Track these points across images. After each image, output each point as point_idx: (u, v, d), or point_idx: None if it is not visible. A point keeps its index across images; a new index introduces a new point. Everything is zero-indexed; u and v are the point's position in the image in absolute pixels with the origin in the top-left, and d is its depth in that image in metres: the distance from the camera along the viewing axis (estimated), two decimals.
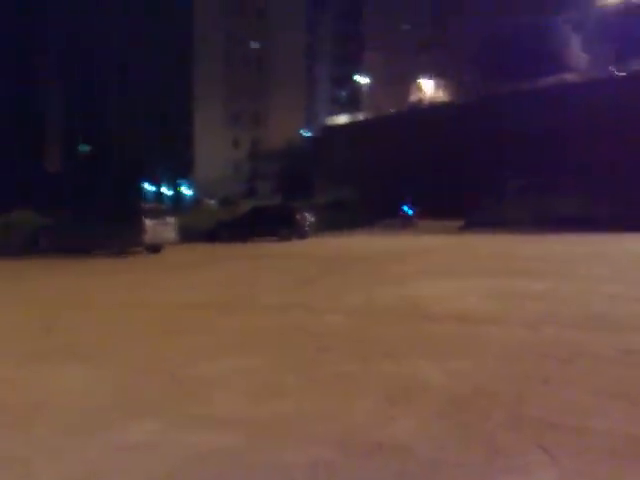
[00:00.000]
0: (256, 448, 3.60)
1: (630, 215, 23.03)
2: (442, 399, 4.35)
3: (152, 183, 72.83)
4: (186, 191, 73.58)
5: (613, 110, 31.41)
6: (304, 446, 3.59)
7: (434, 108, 45.32)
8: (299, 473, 3.24)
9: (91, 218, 20.24)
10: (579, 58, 41.17)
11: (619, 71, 34.77)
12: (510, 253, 16.57)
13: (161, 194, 72.54)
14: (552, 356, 5.43)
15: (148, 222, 19.21)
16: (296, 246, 22.13)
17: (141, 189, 69.12)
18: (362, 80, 60.88)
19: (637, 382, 4.63)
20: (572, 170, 30.31)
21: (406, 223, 32.38)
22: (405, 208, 33.61)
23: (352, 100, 68.17)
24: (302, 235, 25.20)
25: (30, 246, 20.47)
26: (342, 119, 56.48)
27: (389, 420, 3.99)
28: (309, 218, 26.30)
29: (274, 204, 32.06)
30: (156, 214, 20.44)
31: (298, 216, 25.72)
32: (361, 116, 54.20)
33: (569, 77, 37.73)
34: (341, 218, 31.25)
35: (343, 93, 76.34)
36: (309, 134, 71.63)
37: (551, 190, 29.06)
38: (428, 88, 53.45)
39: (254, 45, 74.21)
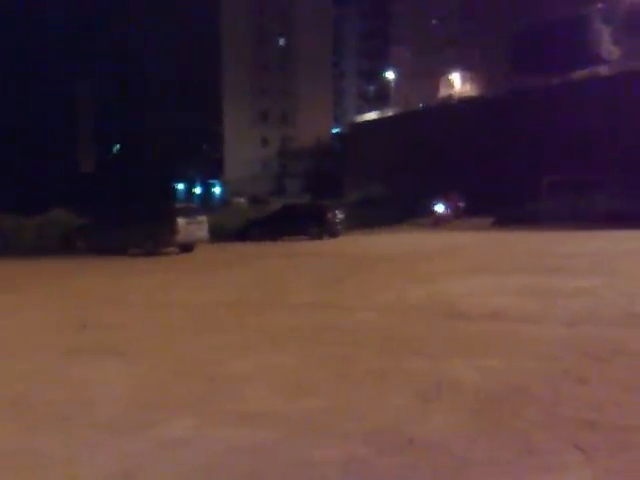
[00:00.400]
0: (289, 444, 3.64)
1: None
2: (475, 397, 4.34)
3: (183, 182, 73.52)
4: (216, 190, 74.11)
5: None
6: (337, 442, 3.62)
7: (464, 103, 44.89)
8: (332, 469, 3.27)
9: (125, 218, 20.48)
10: (611, 51, 40.42)
11: None
12: (545, 250, 16.35)
13: (192, 193, 73.17)
14: (590, 354, 5.36)
15: (180, 221, 19.38)
16: (327, 245, 22.13)
17: (173, 189, 69.81)
18: (390, 75, 60.64)
19: None
20: (608, 166, 29.77)
21: (438, 220, 32.14)
22: (437, 205, 33.33)
23: (380, 95, 67.94)
24: (333, 233, 25.16)
25: (65, 246, 20.81)
26: (371, 115, 56.30)
27: (421, 417, 4.00)
28: (339, 216, 26.25)
29: (304, 202, 32.04)
30: (188, 213, 20.59)
31: (329, 214, 25.66)
32: (390, 112, 53.95)
33: (602, 70, 37.07)
34: (372, 216, 31.10)
35: (371, 88, 76.14)
36: (337, 131, 71.60)
37: (586, 186, 28.56)
38: (457, 83, 53.07)
39: (281, 42, 74.32)
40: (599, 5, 40.72)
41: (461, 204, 34.50)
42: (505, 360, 5.30)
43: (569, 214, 26.34)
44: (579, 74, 36.97)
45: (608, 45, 40.74)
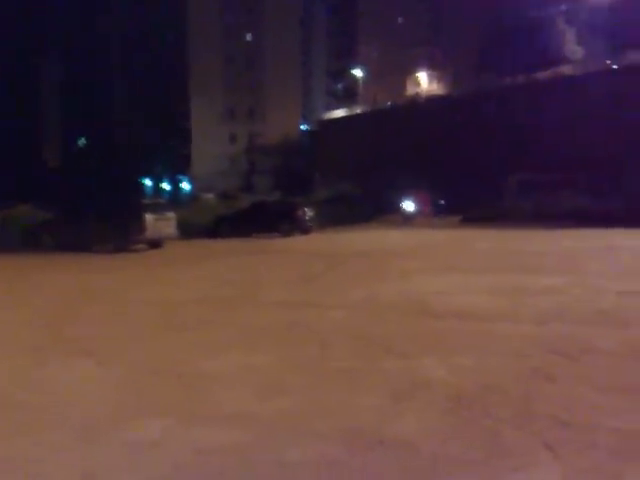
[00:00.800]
0: (261, 444, 3.63)
1: (634, 210, 22.92)
2: (446, 396, 4.36)
3: (151, 178, 72.76)
4: (185, 186, 73.52)
5: (611, 103, 31.37)
6: (308, 442, 3.62)
7: (431, 101, 45.27)
8: (304, 469, 3.27)
9: (91, 213, 20.19)
10: (575, 51, 41.11)
11: (614, 63, 34.74)
12: (513, 248, 16.56)
13: (160, 189, 72.47)
14: (559, 352, 5.43)
15: (148, 217, 19.19)
16: (298, 242, 22.12)
17: (140, 184, 69.04)
18: (358, 73, 60.82)
19: None
20: (574, 165, 30.26)
21: (407, 218, 32.36)
22: (406, 203, 33.57)
23: (348, 93, 68.03)
24: (304, 231, 25.16)
25: (30, 241, 20.45)
26: (339, 113, 56.40)
27: (392, 416, 4.02)
28: (310, 213, 26.26)
29: (274, 199, 31.97)
30: (156, 209, 20.39)
31: (299, 211, 25.66)
32: (358, 109, 54.12)
33: (565, 70, 37.67)
34: (342, 213, 31.19)
35: (339, 86, 76.20)
36: (306, 128, 71.55)
37: (553, 185, 29.03)
38: (424, 81, 53.47)
39: (249, 39, 74.00)
40: (563, 6, 41.35)
41: (430, 202, 34.80)
42: (476, 358, 5.35)
43: (537, 213, 26.75)
44: (543, 74, 37.50)
45: (572, 45, 41.43)
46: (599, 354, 5.37)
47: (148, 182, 72.51)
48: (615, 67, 34.38)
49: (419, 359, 5.38)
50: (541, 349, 5.58)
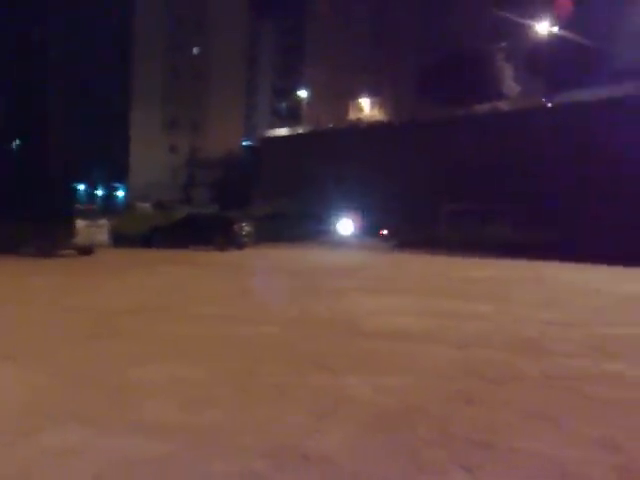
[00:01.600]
0: (185, 456, 3.60)
1: (567, 243, 23.83)
2: (370, 414, 4.43)
3: (86, 184, 71.05)
4: (120, 194, 72.11)
5: (544, 139, 32.65)
6: (234, 456, 3.61)
7: (372, 127, 46.10)
8: None
9: (21, 216, 19.56)
10: (511, 87, 42.64)
11: (549, 101, 36.20)
12: (442, 274, 16.95)
13: (94, 195, 70.83)
14: (481, 376, 5.59)
15: (80, 223, 18.76)
16: (232, 256, 22.01)
17: (74, 189, 67.33)
18: (303, 94, 61.34)
19: (562, 405, 4.80)
20: (505, 197, 31.27)
21: (341, 239, 32.70)
22: (341, 224, 33.94)
23: (292, 113, 68.42)
24: (239, 245, 25.08)
25: None
26: (282, 131, 56.66)
27: (317, 433, 4.05)
28: (246, 228, 26.19)
29: (210, 212, 31.74)
30: (89, 215, 19.98)
31: (235, 226, 25.58)
32: (300, 129, 54.52)
33: (502, 105, 39.01)
34: (279, 230, 31.27)
35: (283, 105, 76.55)
36: (248, 144, 71.44)
37: (484, 216, 29.93)
38: (366, 107, 54.34)
39: (195, 51, 73.58)
40: (503, 43, 42.88)
41: (362, 224, 35.28)
42: (401, 378, 5.45)
43: (467, 241, 27.49)
44: (481, 107, 38.73)
45: (509, 82, 42.97)
46: (519, 380, 5.54)
47: (83, 188, 70.80)
48: (550, 105, 35.81)
49: (346, 377, 5.45)
50: (464, 372, 5.73)
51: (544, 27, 38.84)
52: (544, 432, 4.16)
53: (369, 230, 35.36)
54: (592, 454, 3.77)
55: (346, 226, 34.09)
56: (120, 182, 72.67)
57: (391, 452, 3.74)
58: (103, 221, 20.28)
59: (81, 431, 3.93)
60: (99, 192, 72.88)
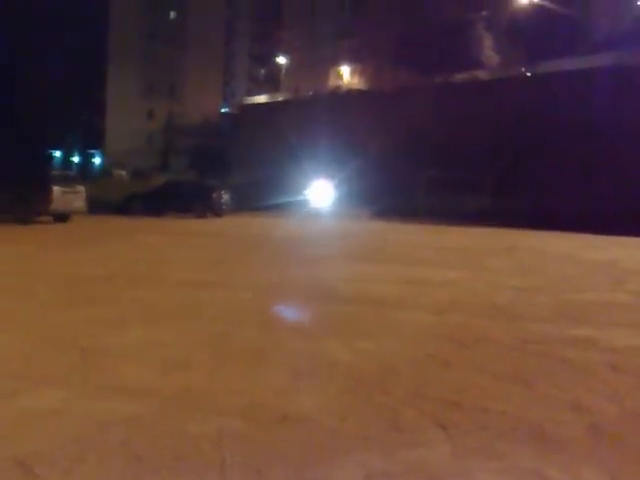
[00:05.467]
0: (162, 418, 3.63)
1: (537, 211, 24.10)
2: (348, 376, 4.50)
3: (62, 151, 69.92)
4: (96, 160, 71.12)
5: (521, 108, 32.73)
6: (210, 417, 3.65)
7: (351, 95, 45.79)
8: (206, 442, 3.31)
9: None
10: (491, 57, 42.50)
11: (528, 71, 36.21)
12: (419, 242, 17.08)
13: (69, 162, 69.75)
14: (455, 341, 5.69)
15: (56, 189, 18.53)
16: (211, 224, 21.94)
17: (50, 156, 66.25)
18: (282, 60, 60.65)
19: (533, 369, 4.91)
20: (484, 166, 31.40)
21: (316, 208, 32.66)
22: (317, 192, 33.86)
23: (271, 79, 67.73)
24: (218, 213, 24.96)
25: None
26: (260, 98, 56.08)
27: (296, 394, 4.12)
28: (225, 196, 26.06)
29: (190, 180, 31.49)
30: (64, 182, 19.73)
31: (214, 194, 25.43)
32: (280, 97, 53.99)
33: (480, 74, 38.93)
34: (257, 198, 31.16)
35: (262, 71, 75.71)
36: (226, 111, 70.67)
37: (463, 184, 30.04)
38: (346, 74, 53.93)
39: (172, 16, 72.21)
40: (483, 12, 42.61)
41: (340, 192, 35.20)
42: (379, 342, 5.53)
43: (444, 209, 27.64)
44: (460, 77, 38.62)
45: (489, 51, 42.82)
46: (492, 344, 5.65)
47: (57, 154, 69.68)
48: (529, 74, 35.83)
49: (324, 341, 5.51)
50: (438, 337, 5.83)
51: None
52: (516, 394, 4.25)
53: (348, 198, 35.32)
54: (563, 415, 3.86)
55: (324, 194, 34.04)
56: (96, 149, 71.63)
57: (370, 412, 3.81)
58: (80, 187, 20.04)
59: (59, 394, 3.95)
60: (75, 159, 71.77)
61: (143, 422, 3.55)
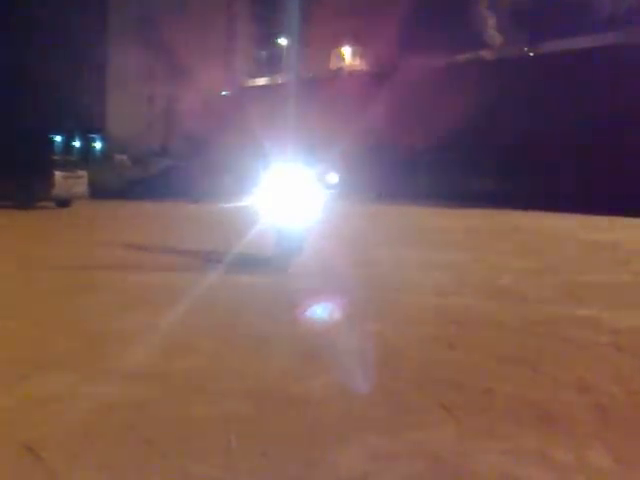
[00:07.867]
0: (169, 401, 3.65)
1: (540, 192, 23.99)
2: (353, 359, 4.52)
3: (63, 135, 69.69)
4: (97, 145, 70.87)
5: (525, 89, 32.52)
6: (217, 401, 3.66)
7: (353, 76, 45.50)
8: (211, 425, 3.32)
9: None
10: (495, 37, 42.12)
11: (532, 51, 35.94)
12: (422, 225, 17.03)
13: (71, 147, 69.53)
14: (458, 323, 5.69)
15: (58, 174, 18.49)
16: (212, 209, 21.85)
17: (51, 140, 66.06)
18: (283, 42, 60.16)
19: (537, 349, 4.91)
20: (487, 148, 31.24)
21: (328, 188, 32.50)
22: (326, 175, 33.68)
23: (272, 61, 67.23)
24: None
25: None
26: (261, 81, 55.72)
27: (302, 377, 4.12)
28: (227, 181, 25.98)
29: (190, 164, 31.36)
30: (66, 167, 19.68)
31: (216, 179, 25.37)
32: (280, 79, 53.65)
33: (485, 55, 38.64)
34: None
35: (263, 54, 75.16)
36: (227, 94, 70.24)
37: (465, 166, 29.92)
38: (348, 56, 53.52)
39: None
40: None
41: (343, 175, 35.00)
42: (383, 325, 5.53)
43: (447, 192, 27.55)
44: (462, 57, 38.34)
45: (492, 32, 42.42)
46: (496, 326, 5.65)
47: (59, 139, 69.48)
48: (531, 54, 35.57)
49: (331, 324, 5.54)
50: (442, 319, 5.83)
51: None
52: (520, 375, 4.26)
53: (350, 181, 35.16)
54: (567, 396, 3.86)
55: (329, 177, 33.88)
56: (97, 133, 71.38)
57: (377, 394, 3.82)
58: (82, 172, 19.98)
59: (65, 378, 3.96)
60: (76, 143, 71.57)
61: (148, 406, 3.56)
